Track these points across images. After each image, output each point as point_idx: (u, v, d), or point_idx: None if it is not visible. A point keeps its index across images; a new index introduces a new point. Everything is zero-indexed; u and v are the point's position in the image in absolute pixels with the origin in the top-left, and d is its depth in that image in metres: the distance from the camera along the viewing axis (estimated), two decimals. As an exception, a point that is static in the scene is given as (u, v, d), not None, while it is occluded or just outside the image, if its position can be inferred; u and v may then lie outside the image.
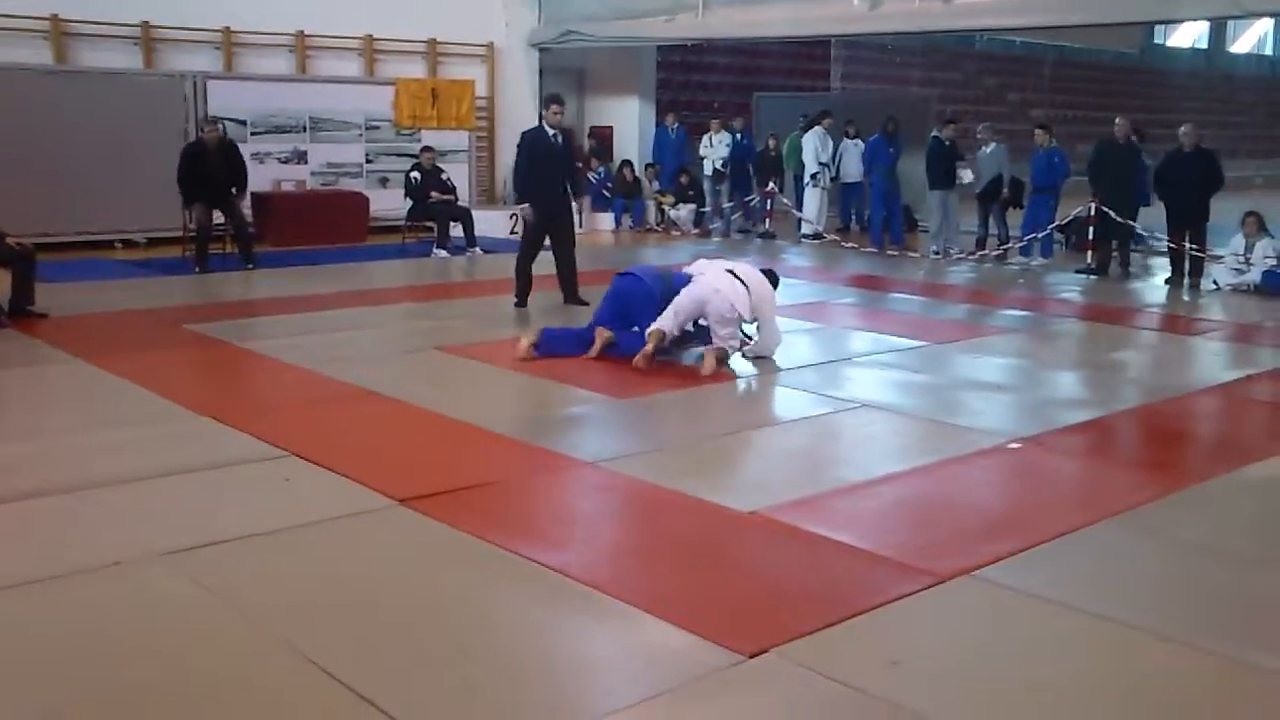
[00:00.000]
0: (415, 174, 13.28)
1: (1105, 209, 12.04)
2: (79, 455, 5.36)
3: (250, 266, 11.62)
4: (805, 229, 15.47)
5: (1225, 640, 3.62)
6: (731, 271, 7.49)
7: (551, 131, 9.51)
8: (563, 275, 9.71)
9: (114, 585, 3.92)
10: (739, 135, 16.46)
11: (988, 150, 13.89)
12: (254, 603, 3.80)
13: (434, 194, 13.22)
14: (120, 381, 6.77)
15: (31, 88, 12.43)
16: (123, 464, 5.19)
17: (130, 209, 12.88)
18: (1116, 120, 12.50)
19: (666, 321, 7.30)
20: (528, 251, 9.63)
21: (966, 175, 13.87)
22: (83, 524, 4.52)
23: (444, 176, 13.55)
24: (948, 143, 13.72)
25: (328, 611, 3.76)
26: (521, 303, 9.56)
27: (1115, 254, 12.36)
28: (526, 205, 9.54)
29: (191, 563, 4.07)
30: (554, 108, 9.52)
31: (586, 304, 9.09)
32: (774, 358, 7.64)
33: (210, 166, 11.49)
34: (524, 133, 9.92)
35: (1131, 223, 12.01)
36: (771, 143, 16.23)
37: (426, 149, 13.87)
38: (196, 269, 11.37)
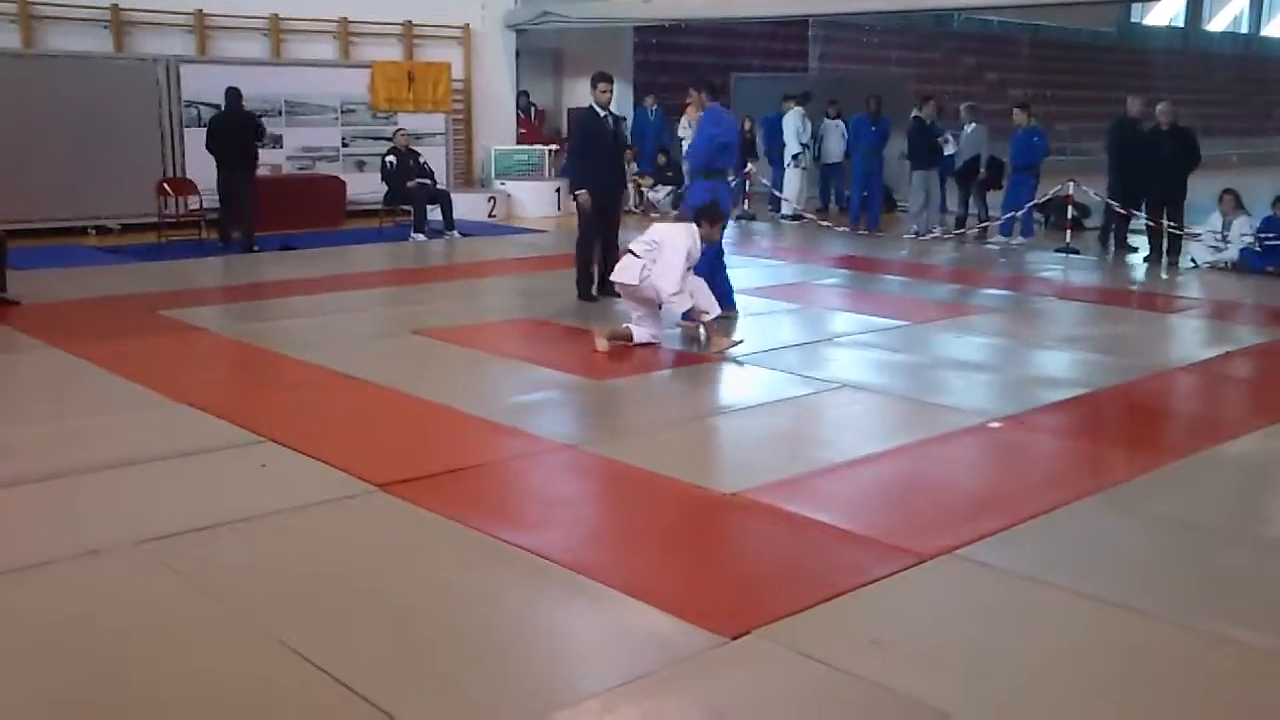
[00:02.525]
0: (391, 158, 13.20)
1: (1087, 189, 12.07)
2: (53, 443, 5.30)
3: (256, 249, 11.79)
4: (785, 209, 15.46)
5: (1204, 616, 3.63)
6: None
7: (602, 112, 9.17)
8: (602, 264, 9.05)
9: (91, 573, 3.88)
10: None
11: (968, 130, 13.90)
12: (232, 590, 3.76)
13: (415, 180, 13.14)
14: (95, 368, 6.70)
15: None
16: (98, 451, 5.13)
17: (103, 195, 12.71)
18: (1129, 99, 12.52)
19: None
20: (586, 240, 9.10)
21: (949, 147, 13.88)
22: (58, 512, 4.48)
23: (421, 160, 13.46)
24: (929, 121, 13.71)
25: (306, 597, 3.73)
26: (585, 295, 9.03)
27: (1114, 231, 12.38)
28: (584, 191, 9.02)
29: (168, 550, 4.03)
30: (601, 86, 9.06)
31: (618, 295, 8.36)
32: (731, 334, 7.62)
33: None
34: (575, 115, 9.66)
35: (1112, 202, 12.01)
36: (747, 124, 16.15)
37: (400, 130, 13.79)
38: (229, 244, 11.85)
